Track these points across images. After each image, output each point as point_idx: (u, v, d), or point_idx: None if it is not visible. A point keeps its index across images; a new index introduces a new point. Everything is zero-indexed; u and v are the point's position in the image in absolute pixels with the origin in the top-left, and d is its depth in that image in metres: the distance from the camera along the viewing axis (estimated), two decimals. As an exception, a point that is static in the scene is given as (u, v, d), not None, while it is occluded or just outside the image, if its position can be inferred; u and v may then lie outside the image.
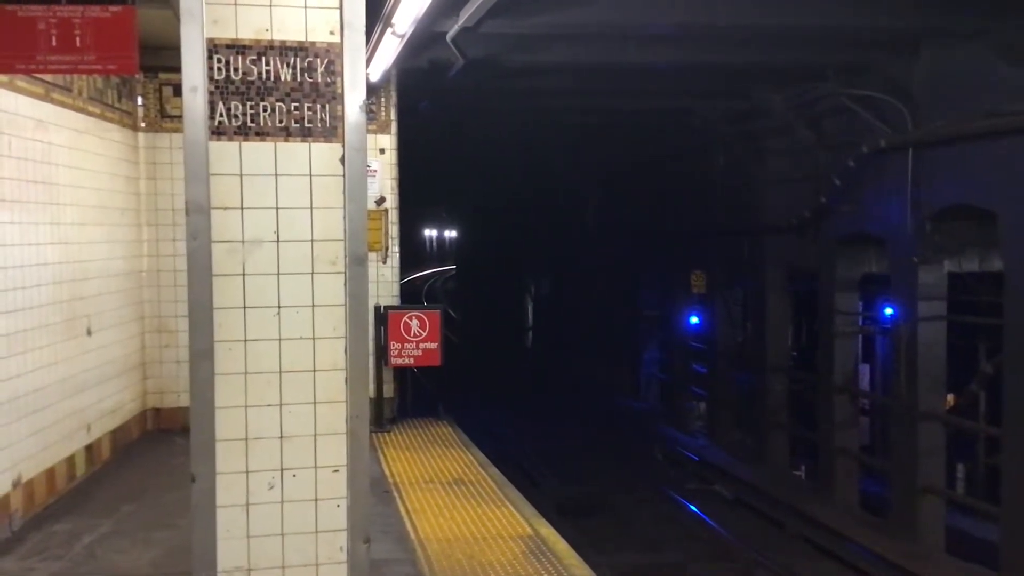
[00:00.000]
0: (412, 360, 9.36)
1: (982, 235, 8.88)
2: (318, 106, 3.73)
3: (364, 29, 3.74)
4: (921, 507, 9.20)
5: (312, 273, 3.74)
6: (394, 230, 9.74)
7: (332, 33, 3.71)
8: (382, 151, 9.65)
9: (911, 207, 8.93)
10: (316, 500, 3.78)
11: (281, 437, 3.74)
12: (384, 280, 9.69)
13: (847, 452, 10.86)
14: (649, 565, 10.16)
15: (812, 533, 10.49)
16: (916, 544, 9.14)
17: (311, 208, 3.73)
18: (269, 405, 3.73)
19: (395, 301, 9.75)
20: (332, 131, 3.74)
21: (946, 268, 9.19)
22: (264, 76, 3.68)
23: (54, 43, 5.36)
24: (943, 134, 8.52)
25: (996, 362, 9.00)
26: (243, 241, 3.67)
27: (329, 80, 3.73)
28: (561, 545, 6.09)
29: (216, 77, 3.63)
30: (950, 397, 9.98)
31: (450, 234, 49.03)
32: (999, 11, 7.71)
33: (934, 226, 8.87)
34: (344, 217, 3.74)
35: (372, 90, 9.34)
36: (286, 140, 3.71)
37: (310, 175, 3.73)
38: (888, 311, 10.64)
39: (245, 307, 3.68)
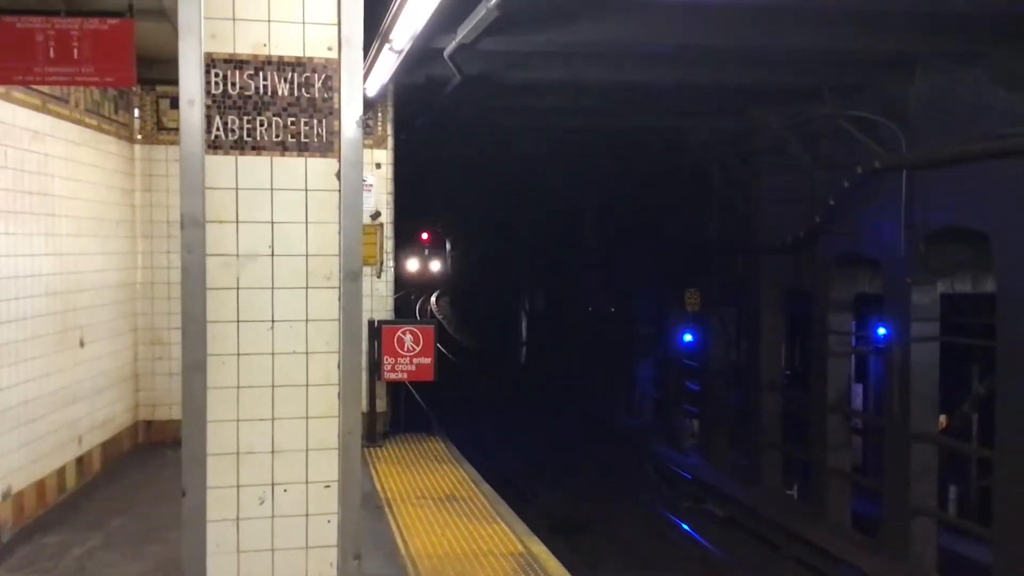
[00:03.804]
0: (406, 375, 9.35)
1: (975, 257, 8.91)
2: (315, 121, 3.74)
3: (362, 45, 3.75)
4: (913, 528, 9.19)
5: (306, 288, 3.74)
6: (389, 245, 9.75)
7: (330, 49, 3.72)
8: (378, 166, 9.67)
9: (905, 228, 8.96)
10: (307, 515, 3.77)
11: (273, 452, 3.73)
12: (378, 295, 9.69)
13: (840, 472, 10.85)
14: (641, 584, 10.14)
15: (804, 553, 10.46)
16: (908, 565, 9.12)
17: (306, 223, 3.73)
18: (261, 419, 3.72)
19: (389, 315, 9.75)
20: (328, 146, 3.75)
21: (939, 289, 9.21)
22: (261, 91, 3.69)
23: (52, 55, 5.38)
24: (938, 156, 8.55)
25: (989, 383, 9.01)
26: (238, 255, 3.67)
27: (326, 95, 3.74)
28: (552, 563, 6.07)
29: (213, 91, 3.64)
30: (943, 418, 9.98)
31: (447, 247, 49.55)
32: (995, 36, 7.75)
33: (928, 247, 8.90)
34: (339, 232, 3.74)
35: (369, 105, 9.36)
36: (282, 155, 3.72)
37: (306, 190, 3.74)
38: (881, 331, 10.65)
39: (239, 321, 3.68)
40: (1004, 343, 7.95)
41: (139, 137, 9.10)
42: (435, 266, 50.51)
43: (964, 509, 10.73)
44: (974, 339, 9.70)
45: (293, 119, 3.72)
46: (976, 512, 10.35)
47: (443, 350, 25.05)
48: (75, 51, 5.38)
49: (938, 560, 9.29)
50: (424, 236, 45.92)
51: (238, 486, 3.70)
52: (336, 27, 3.71)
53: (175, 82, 3.56)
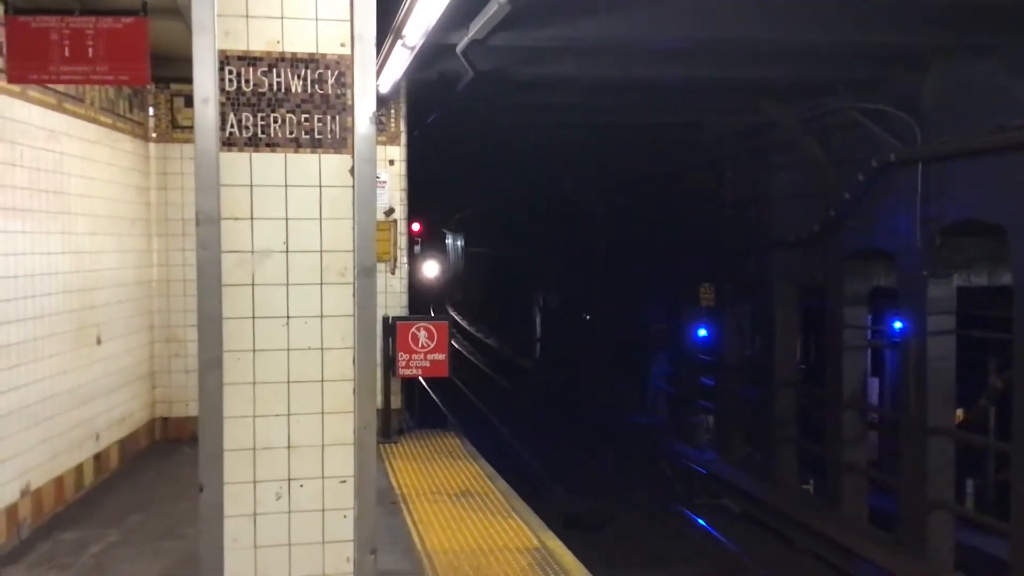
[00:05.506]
0: (420, 371, 9.36)
1: (991, 249, 8.86)
2: (328, 117, 3.74)
3: (375, 41, 3.76)
4: (930, 523, 9.15)
5: (321, 284, 3.75)
6: (403, 241, 9.76)
7: (343, 45, 3.73)
8: (391, 162, 9.68)
9: (920, 221, 8.92)
10: (323, 510, 3.79)
11: (289, 447, 3.75)
12: (392, 291, 9.71)
13: (856, 467, 10.81)
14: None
15: (821, 549, 10.44)
16: (925, 560, 9.09)
17: (320, 219, 3.74)
18: (277, 415, 3.73)
19: (403, 312, 9.76)
20: (342, 142, 3.76)
21: (955, 282, 9.17)
22: (275, 88, 3.70)
23: (67, 54, 5.41)
24: (953, 149, 8.51)
25: (1006, 377, 8.96)
26: (252, 251, 3.68)
27: (339, 92, 3.75)
28: (568, 558, 6.08)
29: (227, 88, 3.65)
30: (959, 412, 9.93)
31: (459, 244, 47.59)
32: (1010, 27, 7.70)
33: (943, 240, 8.85)
34: (353, 228, 3.75)
35: (382, 101, 9.37)
36: (296, 151, 3.73)
37: (320, 186, 3.75)
38: (897, 325, 10.61)
39: (254, 317, 3.69)
40: (1021, 336, 7.90)
41: (154, 135, 9.14)
42: (431, 269, 36.98)
43: (982, 503, 10.69)
44: (991, 332, 9.65)
45: (307, 115, 3.73)
46: (994, 506, 10.30)
47: (457, 347, 25.09)
48: (90, 50, 5.41)
49: (956, 554, 9.25)
50: (415, 227, 31.84)
51: (255, 482, 3.72)
52: (349, 23, 3.72)
53: (189, 80, 3.58)
